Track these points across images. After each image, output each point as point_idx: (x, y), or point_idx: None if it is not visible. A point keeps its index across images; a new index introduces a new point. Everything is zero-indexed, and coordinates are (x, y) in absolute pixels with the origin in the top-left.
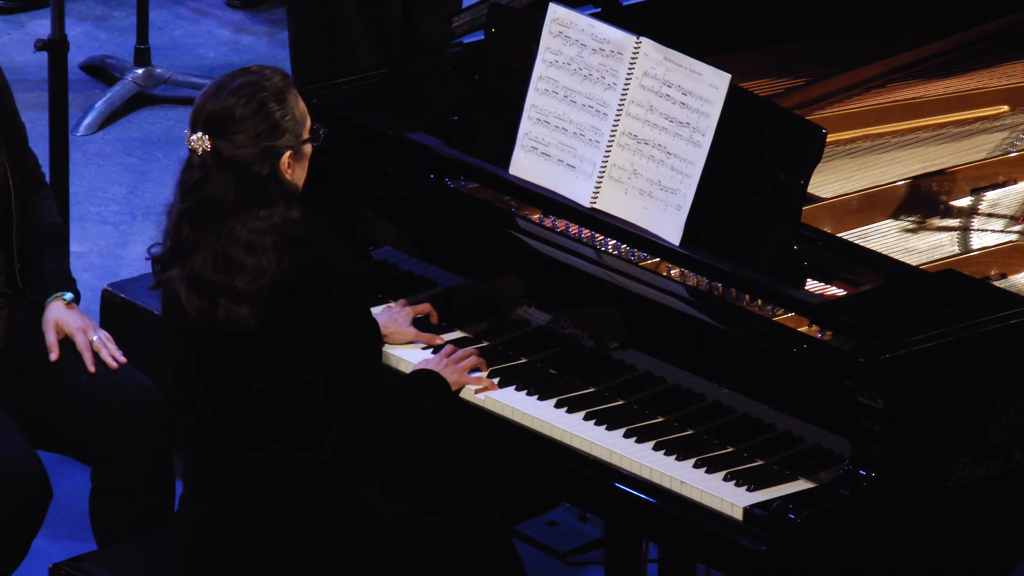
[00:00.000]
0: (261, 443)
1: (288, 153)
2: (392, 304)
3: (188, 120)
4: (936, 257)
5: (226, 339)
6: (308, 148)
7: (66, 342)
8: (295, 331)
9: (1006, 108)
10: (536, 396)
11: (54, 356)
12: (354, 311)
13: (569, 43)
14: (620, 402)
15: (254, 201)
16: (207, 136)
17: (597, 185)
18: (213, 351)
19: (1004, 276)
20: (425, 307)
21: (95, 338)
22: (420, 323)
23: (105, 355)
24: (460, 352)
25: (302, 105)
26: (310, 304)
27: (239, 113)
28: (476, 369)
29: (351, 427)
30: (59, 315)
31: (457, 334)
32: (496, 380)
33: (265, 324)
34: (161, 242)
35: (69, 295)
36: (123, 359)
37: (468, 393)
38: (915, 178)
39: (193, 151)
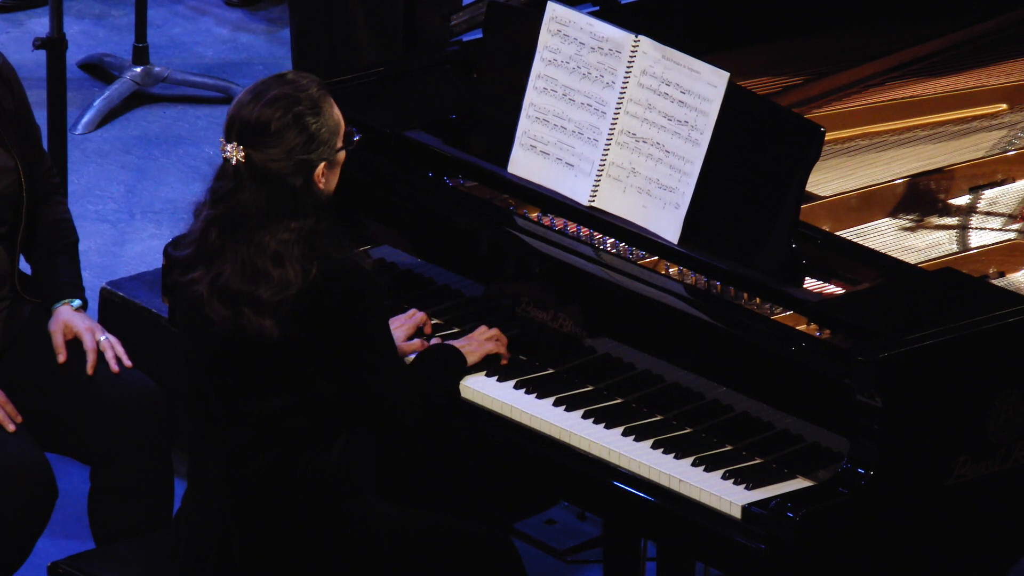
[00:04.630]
0: (269, 446)
1: (322, 164)
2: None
3: (222, 126)
4: (934, 255)
5: (245, 347)
6: (342, 155)
7: (69, 343)
8: (320, 342)
9: (1004, 106)
10: (534, 394)
11: (62, 358)
12: (377, 321)
13: (567, 41)
14: (618, 400)
15: (285, 213)
16: (241, 147)
17: (596, 183)
18: (231, 357)
19: (1002, 274)
20: (421, 318)
21: (103, 338)
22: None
23: (110, 356)
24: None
25: (337, 112)
26: (337, 315)
27: (275, 126)
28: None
29: (360, 415)
30: (67, 317)
31: (454, 332)
32: (495, 378)
33: (287, 335)
34: (180, 241)
35: (77, 302)
36: (129, 363)
37: (466, 391)
38: (913, 176)
39: (227, 160)
